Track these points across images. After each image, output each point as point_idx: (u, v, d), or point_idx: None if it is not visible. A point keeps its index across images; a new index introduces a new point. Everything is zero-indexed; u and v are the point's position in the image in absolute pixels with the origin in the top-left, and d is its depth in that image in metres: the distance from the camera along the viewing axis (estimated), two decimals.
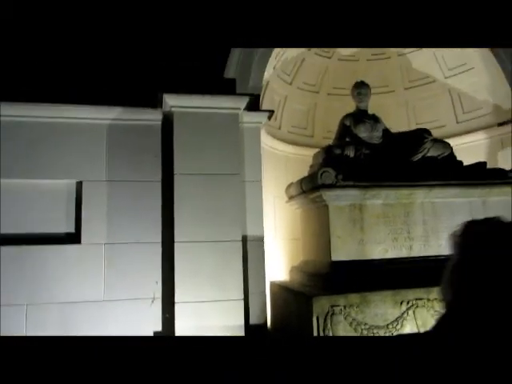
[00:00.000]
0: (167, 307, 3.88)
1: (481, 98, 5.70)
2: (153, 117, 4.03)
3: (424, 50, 5.79)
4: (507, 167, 4.67)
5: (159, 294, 3.94)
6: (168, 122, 4.00)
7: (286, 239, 5.51)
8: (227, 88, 4.02)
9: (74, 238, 3.87)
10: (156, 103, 3.97)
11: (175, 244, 3.66)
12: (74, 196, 3.94)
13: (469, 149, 5.60)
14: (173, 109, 3.85)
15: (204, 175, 3.77)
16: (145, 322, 3.87)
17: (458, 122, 5.98)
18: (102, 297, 3.78)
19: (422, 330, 3.64)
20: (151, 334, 3.87)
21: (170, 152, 3.90)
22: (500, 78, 5.35)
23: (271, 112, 4.32)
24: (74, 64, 3.95)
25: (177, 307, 3.59)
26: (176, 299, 3.60)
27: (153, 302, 3.90)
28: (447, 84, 5.92)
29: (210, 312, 3.64)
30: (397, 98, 6.26)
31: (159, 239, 3.98)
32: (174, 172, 3.75)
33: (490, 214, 3.66)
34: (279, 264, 5.33)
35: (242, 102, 3.96)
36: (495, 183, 4.37)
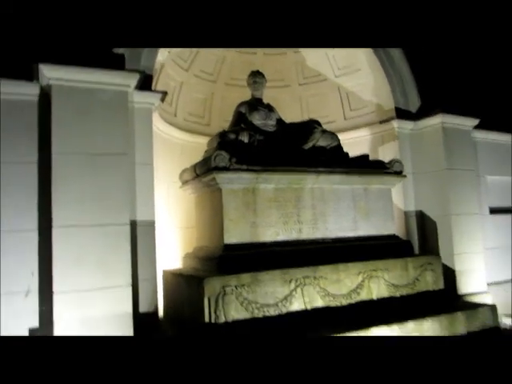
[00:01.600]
0: (46, 300, 3.54)
1: (366, 97, 6.18)
2: (28, 91, 3.63)
3: (317, 48, 6.09)
4: (386, 160, 5.10)
5: (36, 286, 3.57)
6: (46, 98, 3.64)
7: (180, 228, 5.39)
8: (115, 63, 3.77)
9: None
10: (32, 75, 3.59)
11: (53, 229, 3.33)
12: None
13: (354, 143, 6.03)
14: (51, 81, 3.49)
15: (87, 154, 3.49)
16: (19, 318, 3.48)
17: (345, 119, 6.42)
18: None
19: (309, 307, 3.80)
20: (26, 331, 3.50)
21: (49, 131, 3.55)
22: (382, 80, 5.85)
23: (164, 93, 4.20)
24: None
25: (56, 298, 3.27)
26: (54, 289, 3.28)
27: (27, 295, 3.52)
28: (337, 83, 6.32)
29: (94, 301, 3.38)
30: (291, 92, 6.52)
31: (35, 226, 3.60)
32: (52, 151, 3.41)
33: (371, 201, 3.99)
34: (173, 253, 5.20)
35: (132, 79, 3.76)
36: (375, 172, 4.76)
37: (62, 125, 3.50)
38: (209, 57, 5.74)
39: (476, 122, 5.90)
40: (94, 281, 3.40)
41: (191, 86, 5.73)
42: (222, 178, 3.89)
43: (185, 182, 4.72)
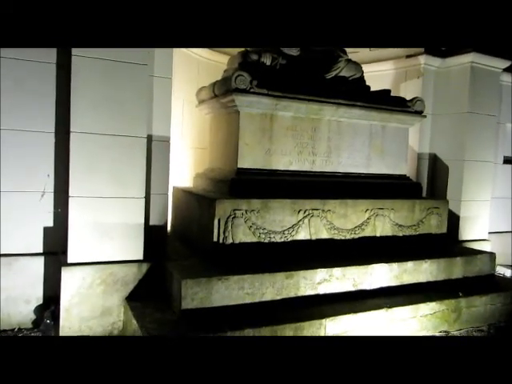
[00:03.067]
0: (60, 202, 3.64)
1: None
2: None
3: None
4: (408, 98, 4.93)
5: (51, 188, 3.66)
6: None
7: (192, 147, 5.38)
8: None
9: None
10: None
11: (71, 134, 3.31)
12: None
13: (376, 77, 5.79)
14: None
15: (107, 60, 3.37)
16: (34, 217, 3.61)
17: (370, 50, 6.11)
18: None
19: (313, 238, 3.91)
20: (41, 230, 3.64)
21: None
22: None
23: None
24: None
25: (71, 201, 3.33)
26: (70, 193, 3.33)
27: (43, 196, 3.61)
28: None
29: (108, 208, 3.45)
30: None
31: (52, 129, 3.61)
32: (72, 53, 3.29)
33: (387, 139, 3.89)
34: (184, 171, 5.24)
35: None
36: (395, 110, 4.63)
37: None
38: None
39: (507, 63, 5.62)
40: (109, 189, 3.44)
41: None
42: (242, 100, 3.79)
43: (201, 102, 4.61)
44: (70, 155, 3.31)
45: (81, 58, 3.30)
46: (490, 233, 5.84)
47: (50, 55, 3.55)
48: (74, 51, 3.28)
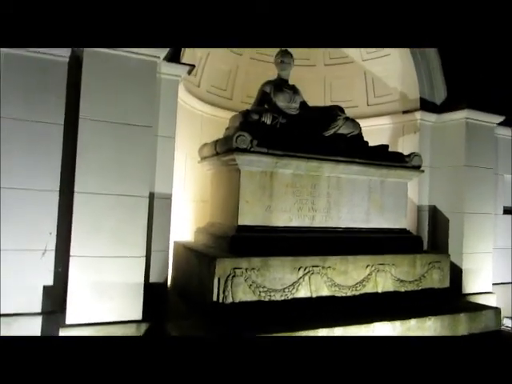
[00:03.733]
0: (61, 261, 3.65)
1: (391, 84, 6.05)
2: (59, 52, 3.61)
3: None
4: (405, 153, 5.05)
5: (53, 246, 3.68)
6: (77, 61, 3.62)
7: (194, 201, 5.44)
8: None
9: None
10: None
11: (75, 194, 3.38)
12: None
13: (375, 131, 5.95)
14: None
15: (113, 124, 3.49)
16: (35, 275, 3.61)
17: (368, 105, 6.31)
18: None
19: (314, 296, 3.88)
20: (41, 288, 3.63)
21: (77, 94, 3.55)
22: (410, 68, 5.71)
23: (192, 66, 4.14)
24: None
25: (72, 260, 3.36)
26: (72, 252, 3.36)
27: (44, 253, 3.63)
28: (363, 66, 6.17)
29: (108, 268, 3.47)
30: (316, 73, 6.39)
31: (57, 187, 3.68)
32: (80, 116, 3.42)
33: (386, 194, 3.97)
34: (185, 225, 5.27)
35: (162, 51, 3.70)
36: (394, 166, 4.72)
37: (90, 90, 3.48)
38: None
39: (501, 119, 5.79)
40: (109, 249, 3.48)
41: (217, 58, 5.63)
42: (242, 159, 3.89)
43: (203, 158, 4.73)
44: (73, 214, 3.37)
45: (87, 120, 3.43)
46: (494, 284, 5.78)
47: (58, 116, 3.67)
48: (81, 113, 3.42)
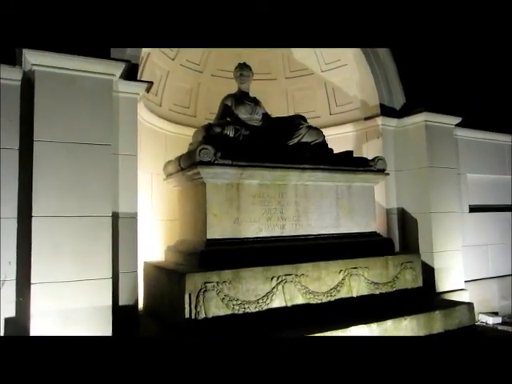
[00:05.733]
0: (23, 290, 3.48)
1: (351, 93, 6.19)
2: (10, 75, 3.53)
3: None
4: (370, 158, 5.12)
5: (13, 276, 3.51)
6: (29, 83, 3.54)
7: (163, 220, 5.34)
8: (101, 51, 3.68)
9: None
10: (15, 60, 3.49)
11: (33, 219, 3.26)
12: None
13: (339, 139, 6.05)
14: (34, 67, 3.40)
15: (70, 144, 3.42)
16: None
17: (331, 114, 6.43)
18: None
19: (289, 305, 3.83)
20: (2, 321, 3.45)
21: (31, 117, 3.46)
22: (368, 76, 5.87)
23: (150, 83, 4.11)
24: None
25: (33, 288, 3.22)
26: (33, 280, 3.22)
27: (3, 284, 3.45)
28: (323, 77, 6.30)
29: (73, 293, 3.34)
30: (278, 86, 6.48)
31: (15, 214, 3.53)
32: (34, 138, 3.33)
33: (354, 198, 3.99)
34: (155, 245, 5.15)
35: (117, 69, 3.67)
36: (359, 170, 4.78)
37: (44, 112, 3.41)
38: None
39: (458, 120, 5.98)
40: (73, 272, 3.35)
41: (177, 76, 5.64)
42: (207, 172, 3.86)
43: (169, 175, 4.66)
44: (32, 240, 3.24)
45: (42, 142, 3.33)
46: (467, 281, 5.86)
47: (12, 141, 3.55)
48: (36, 135, 3.33)
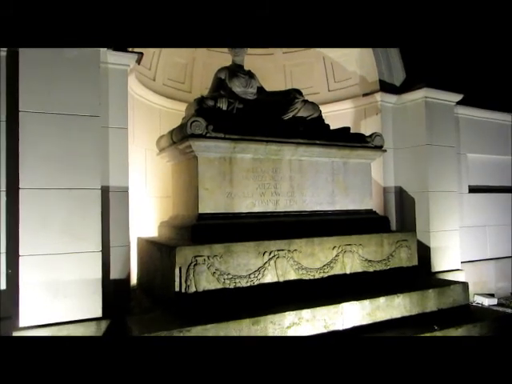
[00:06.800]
0: (12, 262, 3.45)
1: (350, 68, 6.05)
2: None
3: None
4: (368, 134, 5.03)
5: (3, 249, 3.48)
6: (14, 53, 3.44)
7: (157, 197, 5.30)
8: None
9: None
10: None
11: (20, 191, 3.21)
12: None
13: (338, 116, 5.95)
14: None
15: (57, 115, 3.33)
16: None
17: (329, 90, 6.30)
18: None
19: (281, 280, 3.79)
20: None
21: (16, 88, 3.37)
22: (368, 52, 5.73)
23: (140, 54, 4.00)
24: None
25: (22, 261, 3.18)
26: (21, 252, 3.18)
27: None
28: (322, 52, 6.15)
29: (62, 265, 3.30)
30: (275, 61, 6.34)
31: (4, 187, 3.48)
32: (20, 109, 3.25)
33: (350, 175, 3.91)
34: (150, 221, 5.12)
35: None
36: (355, 146, 4.69)
37: (30, 82, 3.31)
38: None
39: (459, 97, 5.84)
40: (61, 245, 3.31)
41: (172, 50, 5.50)
42: (198, 145, 3.78)
43: (162, 150, 4.59)
44: (20, 212, 3.20)
45: (28, 113, 3.26)
46: (463, 262, 5.82)
47: None
48: (21, 106, 3.25)
